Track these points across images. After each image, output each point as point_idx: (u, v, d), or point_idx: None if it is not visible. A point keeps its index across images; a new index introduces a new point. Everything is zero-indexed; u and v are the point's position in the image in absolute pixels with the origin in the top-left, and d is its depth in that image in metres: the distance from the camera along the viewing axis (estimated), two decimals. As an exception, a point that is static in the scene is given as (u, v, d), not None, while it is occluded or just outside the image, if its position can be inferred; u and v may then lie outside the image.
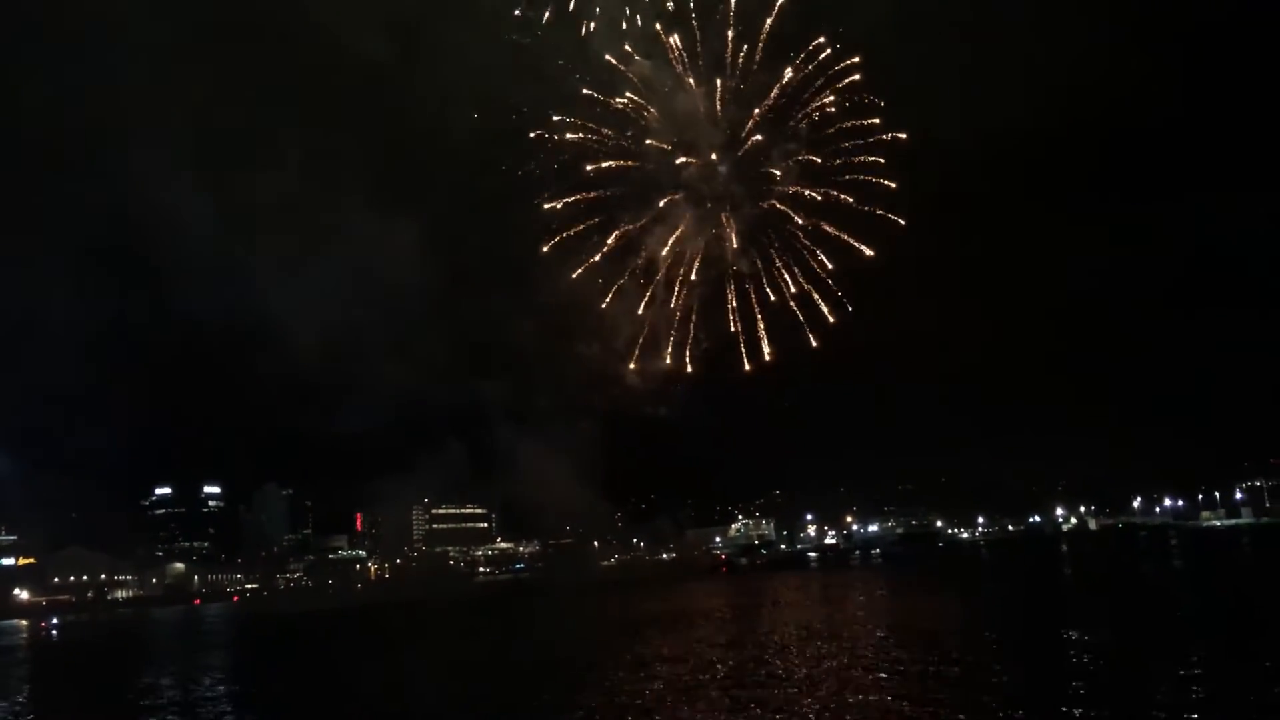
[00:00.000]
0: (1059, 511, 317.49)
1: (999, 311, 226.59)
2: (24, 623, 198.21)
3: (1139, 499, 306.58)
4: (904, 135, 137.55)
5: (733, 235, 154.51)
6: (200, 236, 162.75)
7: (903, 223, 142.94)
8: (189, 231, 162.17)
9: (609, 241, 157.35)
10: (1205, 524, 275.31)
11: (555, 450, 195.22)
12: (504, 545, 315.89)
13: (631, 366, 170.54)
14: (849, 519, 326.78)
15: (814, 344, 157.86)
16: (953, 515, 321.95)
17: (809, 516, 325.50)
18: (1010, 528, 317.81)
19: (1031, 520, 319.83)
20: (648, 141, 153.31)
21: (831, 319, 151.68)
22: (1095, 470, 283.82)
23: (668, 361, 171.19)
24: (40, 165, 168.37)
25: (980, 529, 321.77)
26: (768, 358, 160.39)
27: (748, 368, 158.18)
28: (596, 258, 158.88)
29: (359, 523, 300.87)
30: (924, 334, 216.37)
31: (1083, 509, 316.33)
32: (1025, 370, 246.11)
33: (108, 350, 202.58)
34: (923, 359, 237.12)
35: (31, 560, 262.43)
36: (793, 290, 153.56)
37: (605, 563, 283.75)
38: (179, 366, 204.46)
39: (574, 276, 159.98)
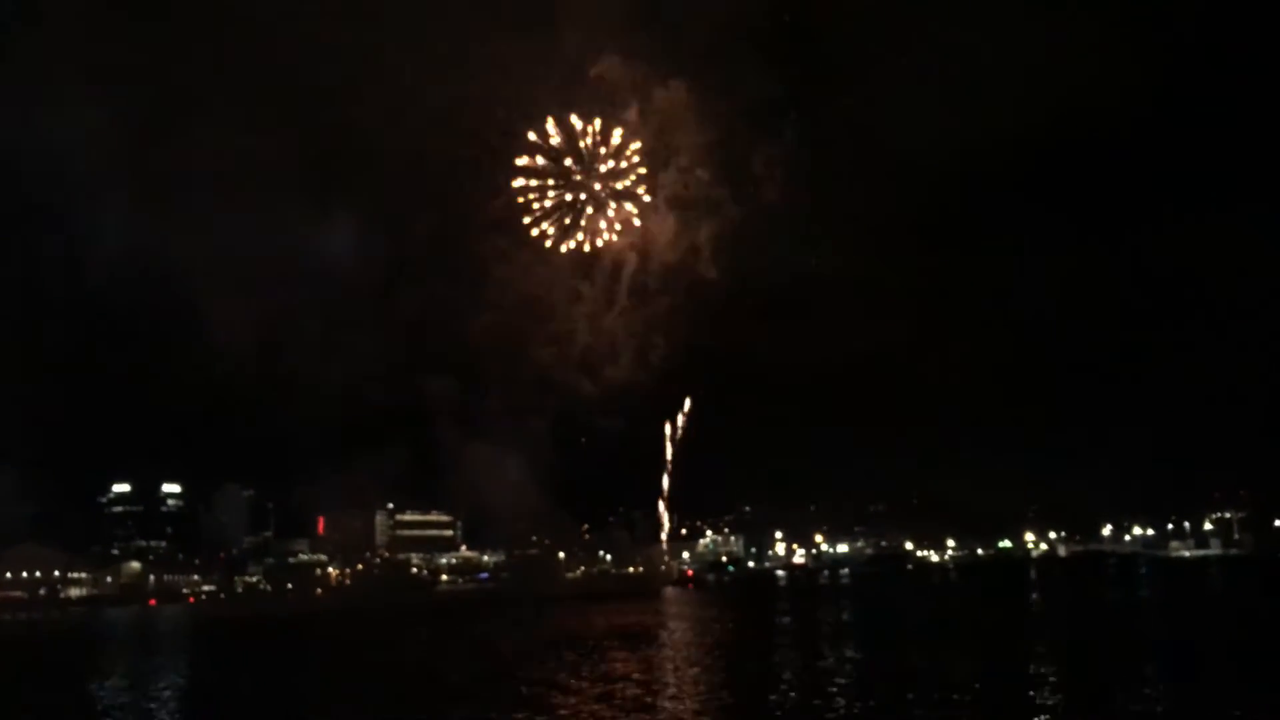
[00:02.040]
0: (1029, 537, 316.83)
1: (971, 331, 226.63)
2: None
3: (1109, 527, 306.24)
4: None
5: (704, 243, 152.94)
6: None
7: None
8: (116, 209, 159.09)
9: (570, 243, 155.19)
10: (1174, 554, 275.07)
11: (509, 454, 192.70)
12: (468, 554, 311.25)
13: (607, 373, 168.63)
14: (819, 538, 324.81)
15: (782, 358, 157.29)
16: (923, 537, 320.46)
17: (778, 535, 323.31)
18: (980, 552, 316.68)
19: (1001, 545, 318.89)
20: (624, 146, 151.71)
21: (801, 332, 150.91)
22: (1066, 497, 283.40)
23: (630, 370, 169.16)
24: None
25: (950, 552, 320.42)
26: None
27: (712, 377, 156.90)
28: (551, 244, 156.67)
29: (321, 527, 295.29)
30: (896, 353, 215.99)
31: (1052, 535, 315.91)
32: (998, 393, 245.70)
33: (63, 341, 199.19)
34: (893, 378, 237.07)
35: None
36: (765, 299, 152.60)
37: (570, 575, 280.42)
38: (139, 359, 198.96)
39: (534, 276, 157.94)
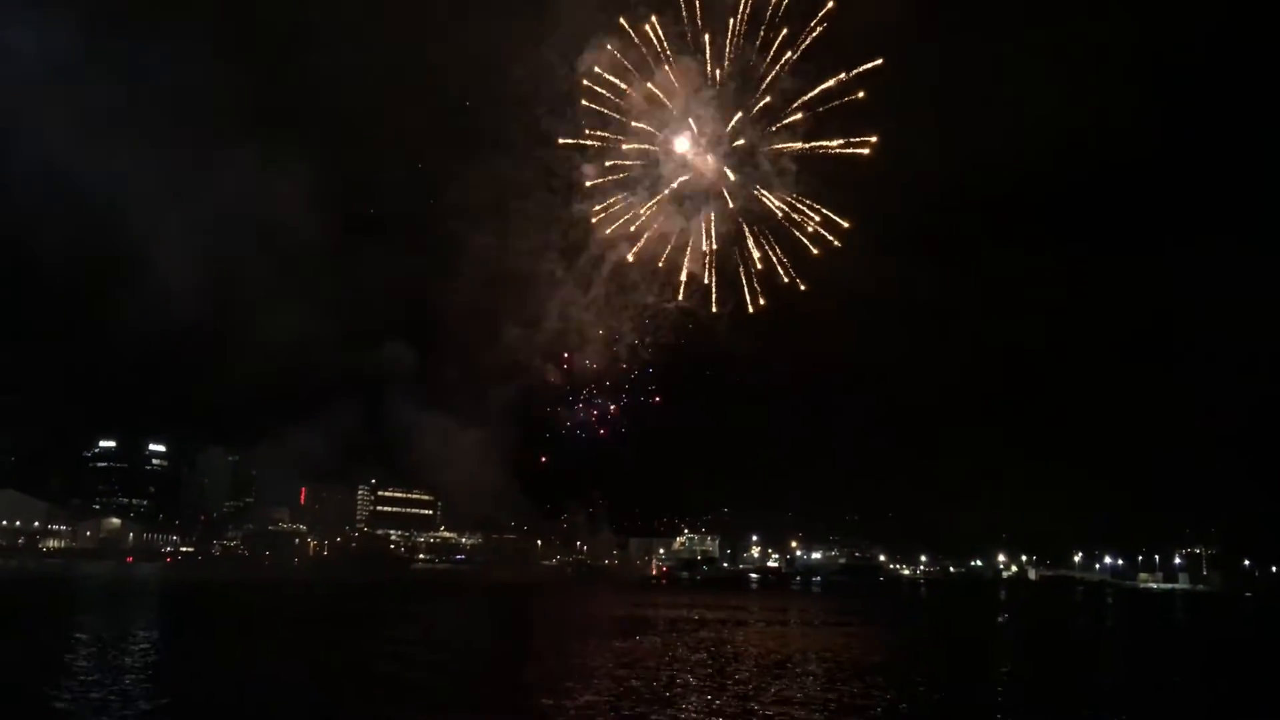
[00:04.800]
0: (1000, 558, 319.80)
1: (961, 351, 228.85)
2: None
3: (1079, 554, 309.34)
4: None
5: (703, 234, 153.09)
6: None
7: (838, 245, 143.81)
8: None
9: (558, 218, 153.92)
10: (1141, 585, 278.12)
11: (467, 429, 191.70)
12: (447, 534, 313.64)
13: (593, 362, 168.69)
14: (794, 544, 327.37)
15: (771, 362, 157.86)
16: (896, 551, 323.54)
17: (754, 538, 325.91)
18: (951, 569, 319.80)
19: (973, 564, 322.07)
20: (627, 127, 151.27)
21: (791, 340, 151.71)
22: (1039, 522, 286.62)
23: (601, 361, 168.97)
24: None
25: (922, 567, 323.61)
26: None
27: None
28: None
29: (303, 497, 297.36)
30: (884, 367, 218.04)
31: (1024, 558, 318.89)
32: (977, 414, 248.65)
33: (62, 293, 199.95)
34: (878, 391, 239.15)
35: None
36: (757, 302, 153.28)
37: (547, 563, 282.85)
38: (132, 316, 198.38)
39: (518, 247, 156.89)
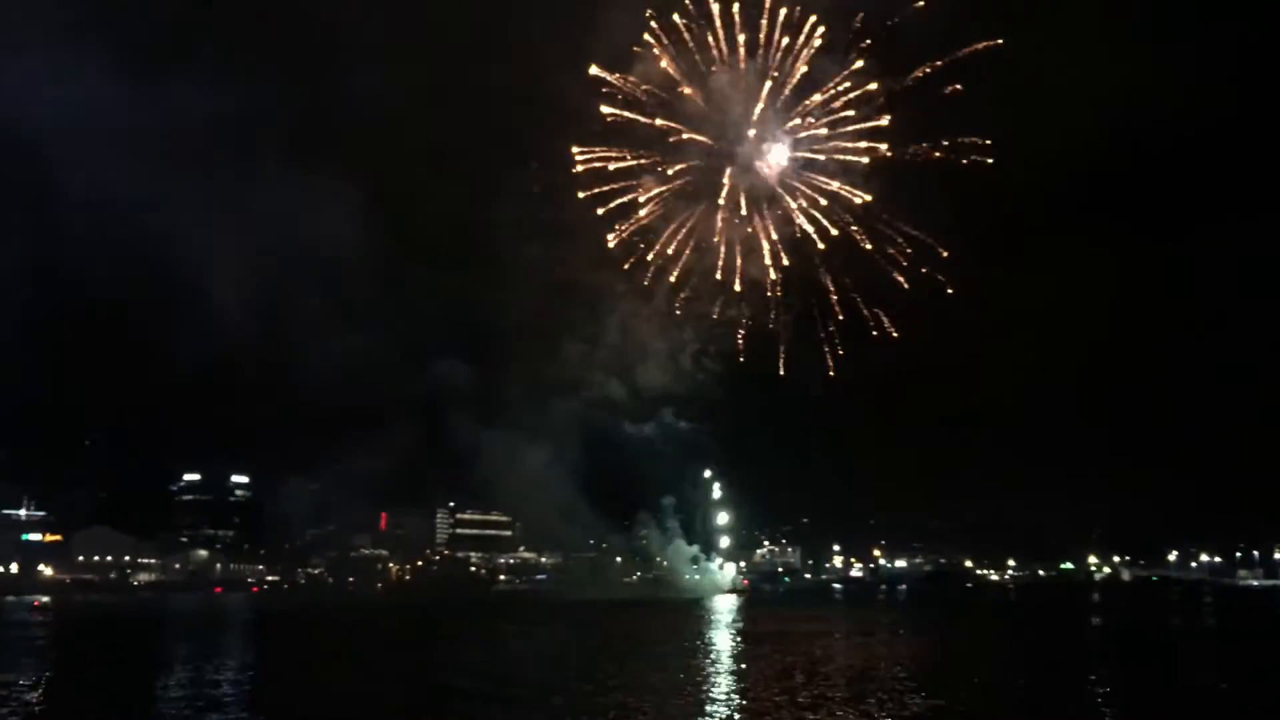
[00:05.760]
0: (1092, 560, 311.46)
1: (1040, 346, 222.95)
2: (45, 599, 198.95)
3: (1174, 553, 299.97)
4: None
5: (765, 243, 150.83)
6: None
7: (945, 253, 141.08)
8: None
9: (621, 229, 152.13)
10: (1241, 583, 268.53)
11: (532, 446, 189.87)
12: (526, 555, 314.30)
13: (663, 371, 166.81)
14: (876, 553, 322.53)
15: (847, 371, 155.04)
16: (982, 556, 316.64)
17: (836, 548, 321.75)
18: (1041, 573, 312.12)
19: (1063, 566, 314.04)
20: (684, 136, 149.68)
21: (873, 343, 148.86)
22: (1131, 520, 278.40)
23: (668, 375, 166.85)
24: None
25: (1010, 572, 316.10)
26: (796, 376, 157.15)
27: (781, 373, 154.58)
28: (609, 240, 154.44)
29: (383, 522, 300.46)
30: (962, 367, 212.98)
31: (1116, 559, 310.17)
32: (1065, 412, 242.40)
33: (145, 334, 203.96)
34: (958, 393, 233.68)
35: (58, 538, 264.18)
36: (836, 312, 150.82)
37: (627, 580, 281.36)
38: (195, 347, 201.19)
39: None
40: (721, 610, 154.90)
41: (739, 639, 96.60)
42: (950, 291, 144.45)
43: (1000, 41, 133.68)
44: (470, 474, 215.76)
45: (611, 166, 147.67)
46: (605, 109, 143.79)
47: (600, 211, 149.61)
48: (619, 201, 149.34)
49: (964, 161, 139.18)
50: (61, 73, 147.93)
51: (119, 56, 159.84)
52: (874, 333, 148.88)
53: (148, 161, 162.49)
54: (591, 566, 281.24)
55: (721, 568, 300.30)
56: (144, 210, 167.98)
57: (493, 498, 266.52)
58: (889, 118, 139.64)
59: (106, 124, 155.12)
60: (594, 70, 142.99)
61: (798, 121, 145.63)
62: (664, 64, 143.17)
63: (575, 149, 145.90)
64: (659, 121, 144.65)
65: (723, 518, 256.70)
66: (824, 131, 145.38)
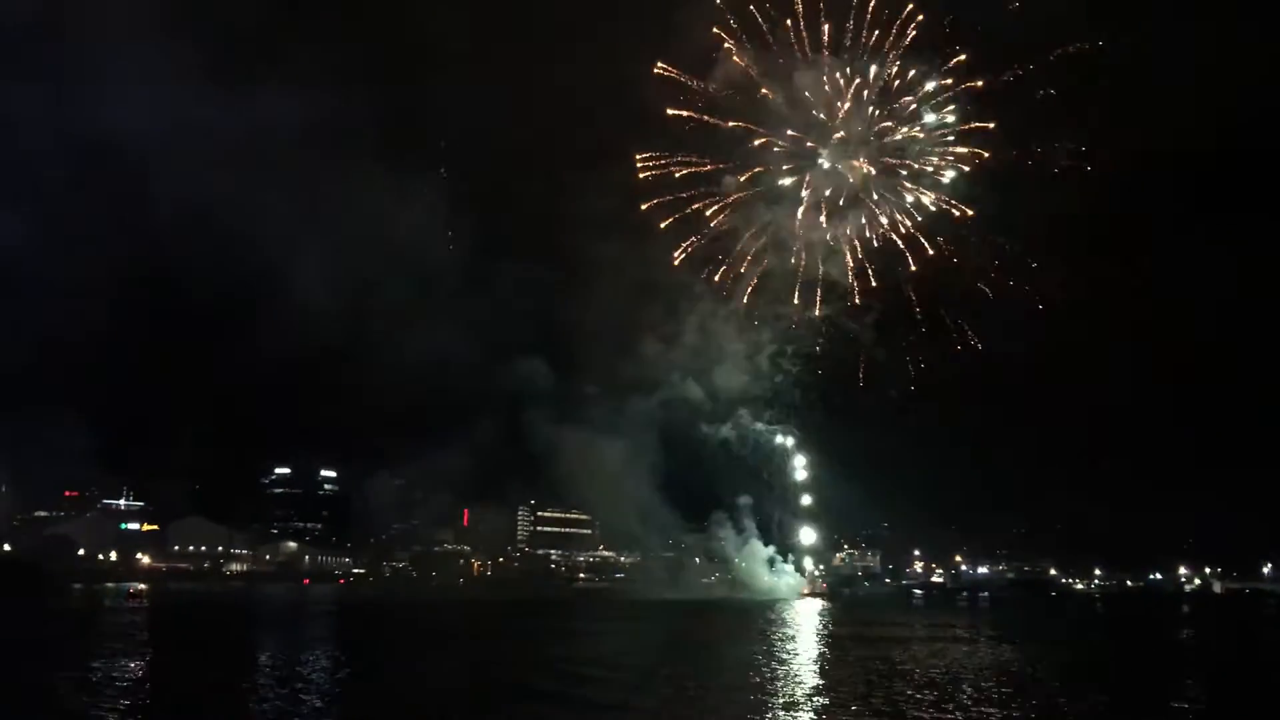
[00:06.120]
0: (1182, 571, 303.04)
1: (1131, 349, 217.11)
2: (142, 586, 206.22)
3: (1268, 565, 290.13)
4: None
5: (856, 243, 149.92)
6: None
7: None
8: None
9: (711, 222, 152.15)
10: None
11: (610, 444, 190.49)
12: (606, 553, 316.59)
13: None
14: (958, 559, 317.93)
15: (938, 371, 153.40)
16: (1068, 565, 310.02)
17: (916, 553, 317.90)
18: (1129, 583, 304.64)
19: (1152, 577, 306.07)
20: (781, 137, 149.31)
21: (960, 343, 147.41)
22: (1224, 530, 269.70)
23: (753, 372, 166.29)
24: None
25: (1096, 581, 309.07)
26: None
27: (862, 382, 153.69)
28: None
29: (465, 519, 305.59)
30: (1048, 368, 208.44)
31: (1208, 570, 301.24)
32: (1155, 416, 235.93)
33: (239, 333, 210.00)
34: (1044, 396, 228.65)
35: (155, 527, 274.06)
36: (918, 318, 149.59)
37: (707, 580, 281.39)
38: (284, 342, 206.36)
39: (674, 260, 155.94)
40: (797, 613, 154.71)
41: (811, 641, 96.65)
42: (1040, 306, 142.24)
43: (1099, 42, 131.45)
44: (549, 472, 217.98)
45: (684, 172, 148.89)
46: (678, 112, 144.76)
47: (671, 218, 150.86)
48: (694, 207, 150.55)
49: (1060, 166, 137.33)
50: (153, 74, 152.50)
51: (210, 58, 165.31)
52: (958, 346, 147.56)
53: (239, 163, 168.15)
54: (669, 566, 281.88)
55: (799, 570, 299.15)
56: (236, 210, 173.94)
57: (572, 496, 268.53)
58: (992, 123, 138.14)
59: (198, 126, 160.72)
60: (664, 71, 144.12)
61: (888, 124, 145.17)
62: (743, 63, 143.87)
63: (642, 156, 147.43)
64: (736, 124, 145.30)
65: (800, 520, 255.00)
66: (913, 133, 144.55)
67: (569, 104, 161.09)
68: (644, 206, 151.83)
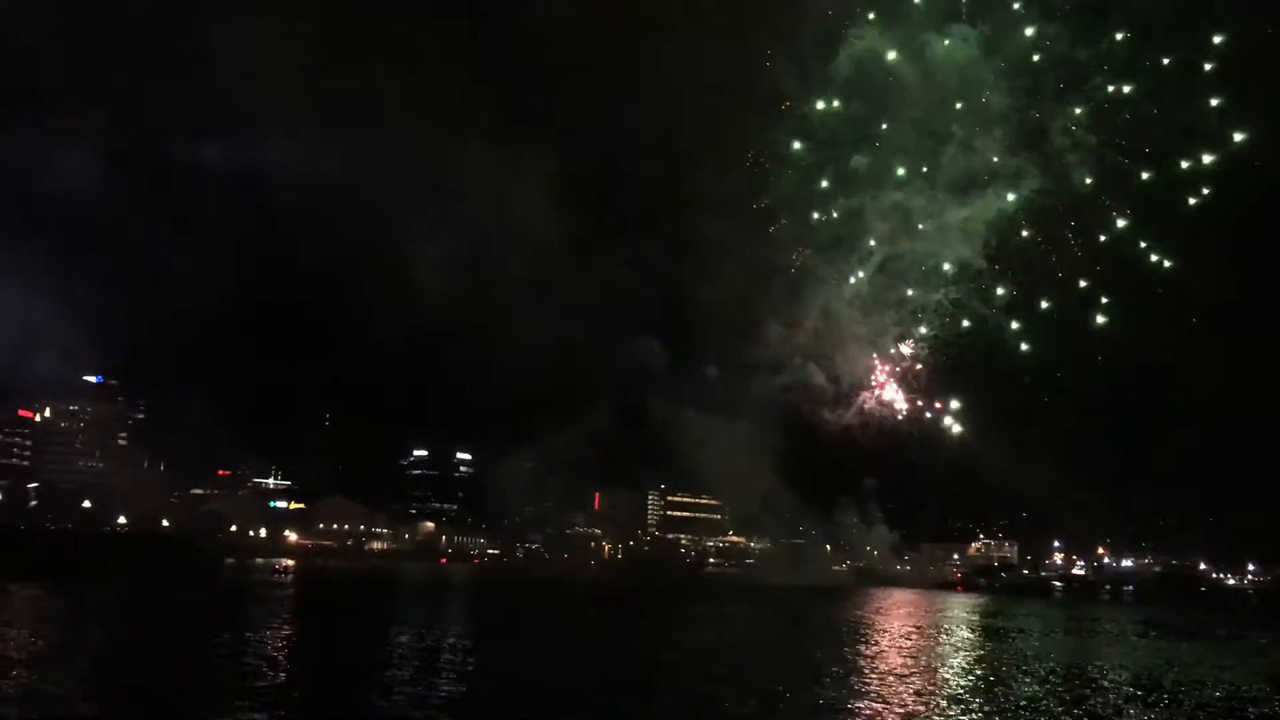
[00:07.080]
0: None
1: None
2: (289, 562, 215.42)
3: None
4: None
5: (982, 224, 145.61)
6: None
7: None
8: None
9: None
10: None
11: (733, 428, 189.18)
12: (735, 539, 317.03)
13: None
14: (1101, 551, 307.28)
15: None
16: (1219, 559, 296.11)
17: (1056, 544, 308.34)
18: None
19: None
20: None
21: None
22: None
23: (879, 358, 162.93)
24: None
25: (1250, 577, 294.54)
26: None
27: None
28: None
29: (596, 502, 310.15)
30: (1201, 348, 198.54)
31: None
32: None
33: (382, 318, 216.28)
34: (1197, 377, 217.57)
35: (301, 506, 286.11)
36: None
37: (836, 568, 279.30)
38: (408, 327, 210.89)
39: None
40: (930, 603, 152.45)
41: (940, 633, 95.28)
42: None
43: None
44: (675, 457, 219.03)
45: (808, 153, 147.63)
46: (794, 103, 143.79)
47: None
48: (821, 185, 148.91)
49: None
50: (274, 57, 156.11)
51: (327, 38, 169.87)
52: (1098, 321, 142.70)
53: (365, 151, 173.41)
54: (798, 552, 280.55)
55: (930, 558, 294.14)
56: (362, 197, 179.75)
57: (700, 481, 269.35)
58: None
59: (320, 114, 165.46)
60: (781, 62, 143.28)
61: (1024, 99, 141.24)
62: (873, 40, 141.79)
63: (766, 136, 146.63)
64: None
65: (930, 507, 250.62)
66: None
67: (695, 81, 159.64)
68: (766, 187, 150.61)
